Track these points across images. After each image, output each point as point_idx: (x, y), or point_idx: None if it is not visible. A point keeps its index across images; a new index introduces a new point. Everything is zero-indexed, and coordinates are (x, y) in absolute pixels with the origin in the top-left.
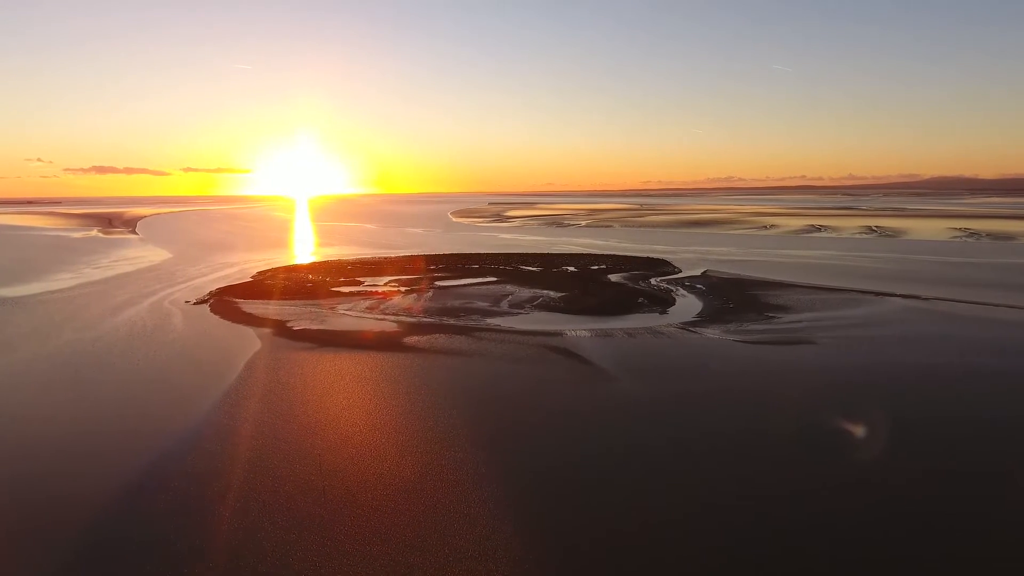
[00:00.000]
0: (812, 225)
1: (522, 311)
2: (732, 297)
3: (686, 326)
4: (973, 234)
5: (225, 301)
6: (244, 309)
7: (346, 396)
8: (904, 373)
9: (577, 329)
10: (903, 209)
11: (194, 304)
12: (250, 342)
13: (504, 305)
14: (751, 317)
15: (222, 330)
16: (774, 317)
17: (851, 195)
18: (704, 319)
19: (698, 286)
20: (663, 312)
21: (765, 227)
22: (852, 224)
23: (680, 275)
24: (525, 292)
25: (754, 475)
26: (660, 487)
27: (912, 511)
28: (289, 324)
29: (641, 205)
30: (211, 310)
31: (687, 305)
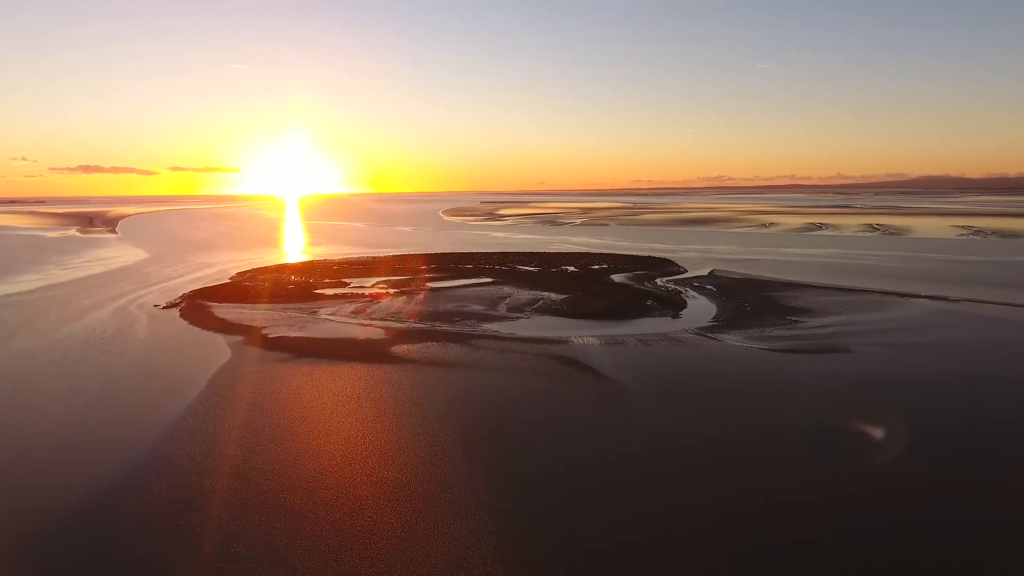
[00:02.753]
0: (812, 223)
1: (522, 315)
2: (747, 299)
3: (703, 332)
4: (979, 232)
5: (197, 305)
6: (217, 314)
7: (323, 420)
8: (961, 386)
9: (584, 336)
10: (899, 207)
11: (163, 308)
12: (219, 352)
13: (502, 309)
14: (772, 321)
15: (190, 338)
16: (797, 321)
17: (842, 194)
18: (722, 323)
19: (708, 287)
20: (675, 316)
21: (764, 225)
22: (852, 222)
23: (686, 275)
24: (524, 294)
25: (814, 513)
26: (697, 524)
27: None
28: (265, 331)
29: (634, 204)
30: (180, 315)
31: (700, 308)
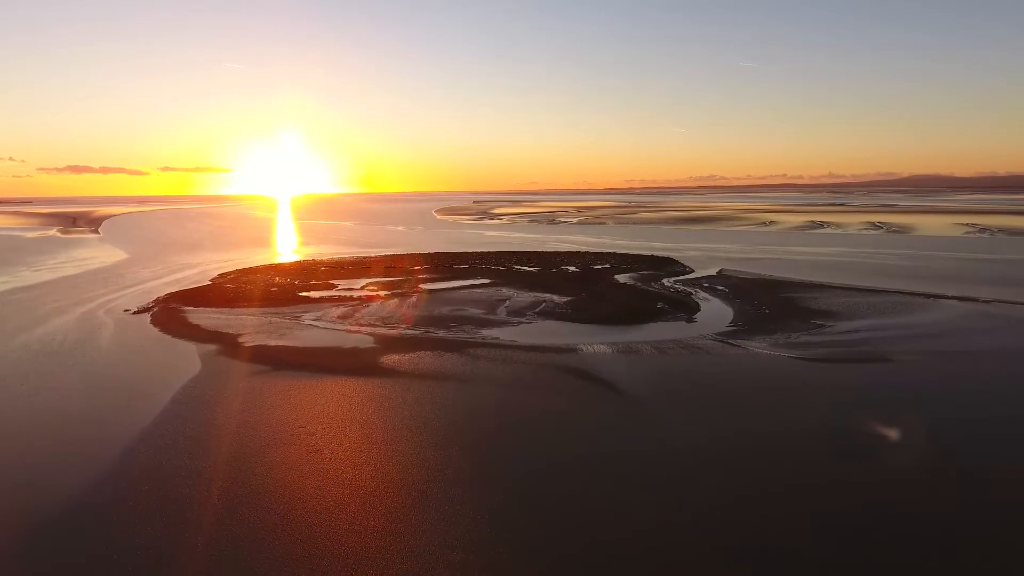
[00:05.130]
0: (813, 221)
1: (523, 320)
2: (763, 301)
3: (724, 338)
4: (984, 229)
5: (171, 309)
6: (191, 320)
7: (299, 449)
8: (1020, 396)
9: (593, 343)
10: (896, 205)
11: (134, 313)
12: (189, 364)
13: (501, 312)
14: (796, 326)
15: (158, 347)
16: (824, 325)
17: (835, 192)
18: (741, 328)
19: (719, 288)
20: (690, 320)
21: (765, 223)
22: (852, 220)
23: (694, 275)
24: (524, 296)
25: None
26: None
27: None
28: (241, 339)
29: (629, 203)
30: (151, 321)
31: (715, 311)
